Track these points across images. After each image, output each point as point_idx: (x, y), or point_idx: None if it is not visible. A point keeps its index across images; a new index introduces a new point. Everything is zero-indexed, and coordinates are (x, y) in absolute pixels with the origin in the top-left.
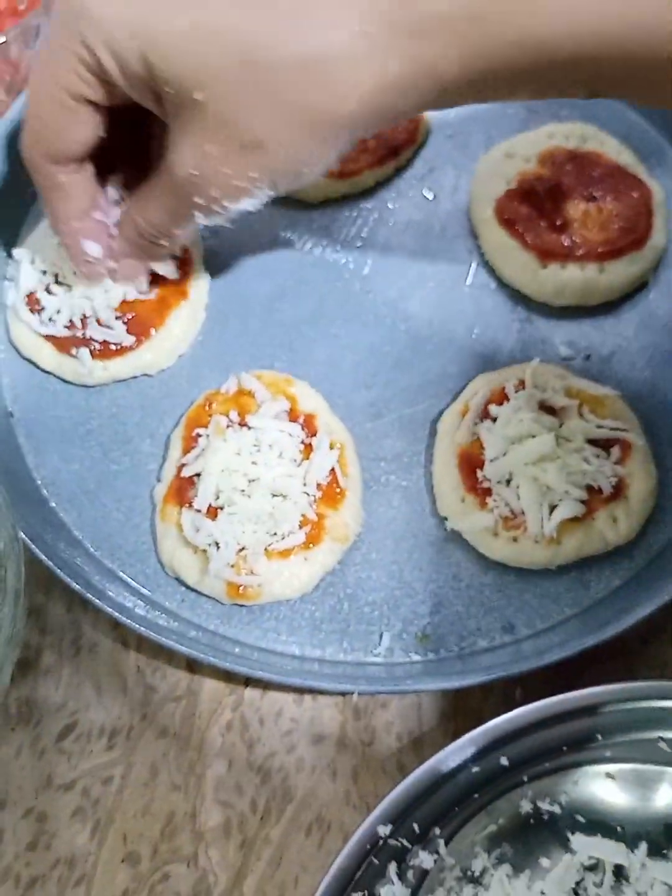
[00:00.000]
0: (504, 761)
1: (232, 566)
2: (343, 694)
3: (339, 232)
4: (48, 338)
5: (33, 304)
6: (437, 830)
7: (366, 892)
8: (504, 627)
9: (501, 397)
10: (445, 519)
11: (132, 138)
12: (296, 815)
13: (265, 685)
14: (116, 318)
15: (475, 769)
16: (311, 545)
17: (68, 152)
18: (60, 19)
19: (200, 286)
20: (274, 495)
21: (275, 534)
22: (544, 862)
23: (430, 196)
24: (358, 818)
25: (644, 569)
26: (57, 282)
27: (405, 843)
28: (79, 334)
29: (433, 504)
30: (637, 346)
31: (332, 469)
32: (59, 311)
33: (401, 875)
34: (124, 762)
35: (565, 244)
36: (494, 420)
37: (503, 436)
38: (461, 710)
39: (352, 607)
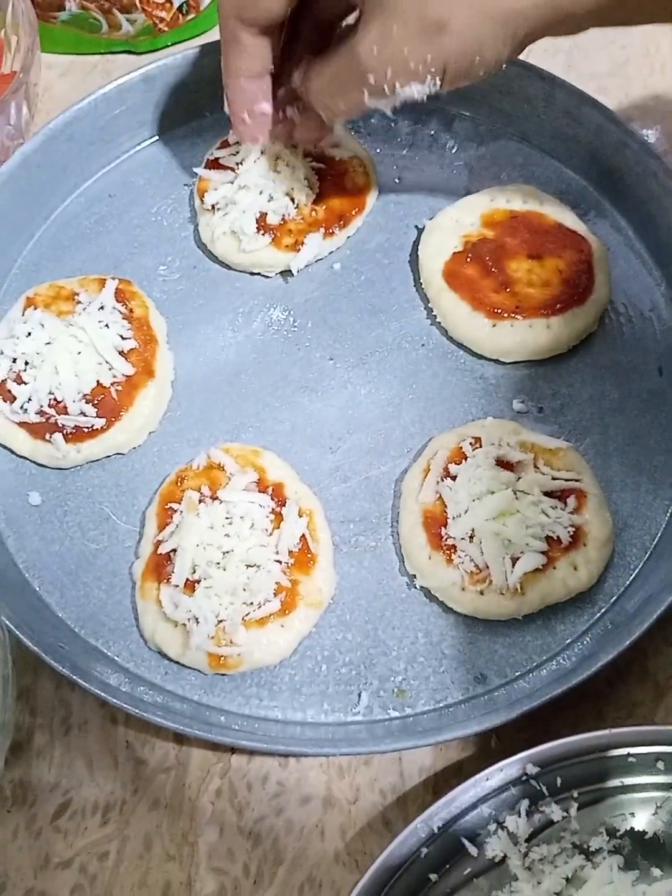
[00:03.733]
0: (661, 765)
1: (212, 638)
2: (326, 756)
3: (297, 302)
4: (22, 424)
5: (4, 393)
6: (575, 793)
7: (494, 811)
8: (476, 678)
9: (460, 456)
10: (414, 576)
11: (318, 38)
12: (288, 877)
13: (251, 751)
14: (87, 401)
15: (631, 759)
16: (286, 612)
17: (257, 18)
18: None
19: (166, 364)
20: (248, 566)
21: (251, 603)
22: (655, 872)
23: (384, 262)
24: (348, 876)
25: (606, 613)
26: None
27: (544, 789)
28: (51, 420)
29: (402, 563)
30: (585, 395)
31: (303, 536)
32: (29, 399)
33: (528, 814)
34: (119, 836)
35: (512, 303)
36: (454, 478)
37: (464, 494)
38: (441, 760)
39: (330, 669)
